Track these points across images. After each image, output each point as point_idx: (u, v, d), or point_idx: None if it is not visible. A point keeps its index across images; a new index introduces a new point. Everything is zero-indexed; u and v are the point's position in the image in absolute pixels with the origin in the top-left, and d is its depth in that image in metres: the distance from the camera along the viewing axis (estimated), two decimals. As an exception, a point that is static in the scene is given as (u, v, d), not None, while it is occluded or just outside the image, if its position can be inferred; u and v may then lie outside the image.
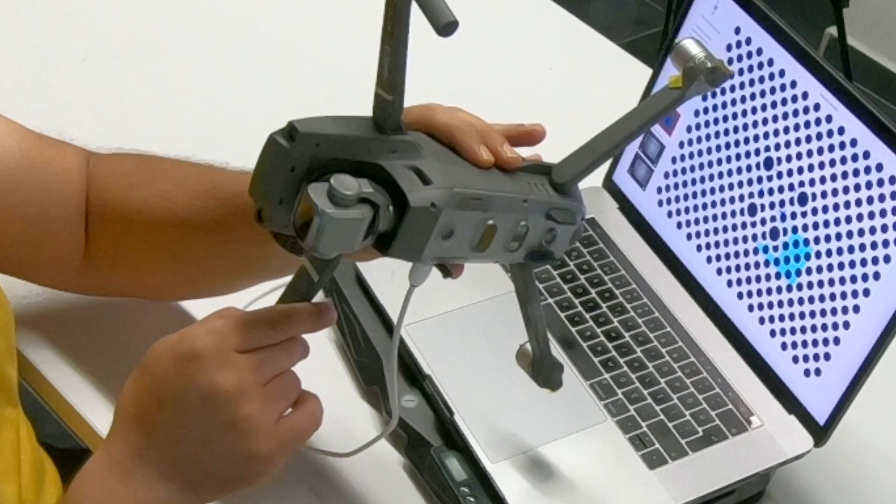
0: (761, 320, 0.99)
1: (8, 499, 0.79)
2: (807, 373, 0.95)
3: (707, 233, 1.04)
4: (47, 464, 0.88)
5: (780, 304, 0.97)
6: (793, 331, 0.96)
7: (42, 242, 0.90)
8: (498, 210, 0.75)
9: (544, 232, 0.80)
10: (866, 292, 0.91)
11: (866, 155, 0.90)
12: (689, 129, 1.05)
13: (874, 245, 0.90)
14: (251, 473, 0.75)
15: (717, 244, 1.03)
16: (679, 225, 1.06)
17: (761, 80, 0.98)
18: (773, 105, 0.97)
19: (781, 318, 0.97)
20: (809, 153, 0.95)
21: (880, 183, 0.89)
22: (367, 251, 0.72)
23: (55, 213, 0.89)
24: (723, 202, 1.02)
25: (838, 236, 0.93)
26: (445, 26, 0.66)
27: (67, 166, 0.90)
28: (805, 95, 0.95)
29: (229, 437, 0.73)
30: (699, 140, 1.04)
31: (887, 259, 0.89)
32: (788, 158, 0.96)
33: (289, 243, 0.81)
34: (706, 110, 1.03)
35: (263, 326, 0.74)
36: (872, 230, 0.90)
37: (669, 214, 1.07)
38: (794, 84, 0.96)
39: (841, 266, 0.92)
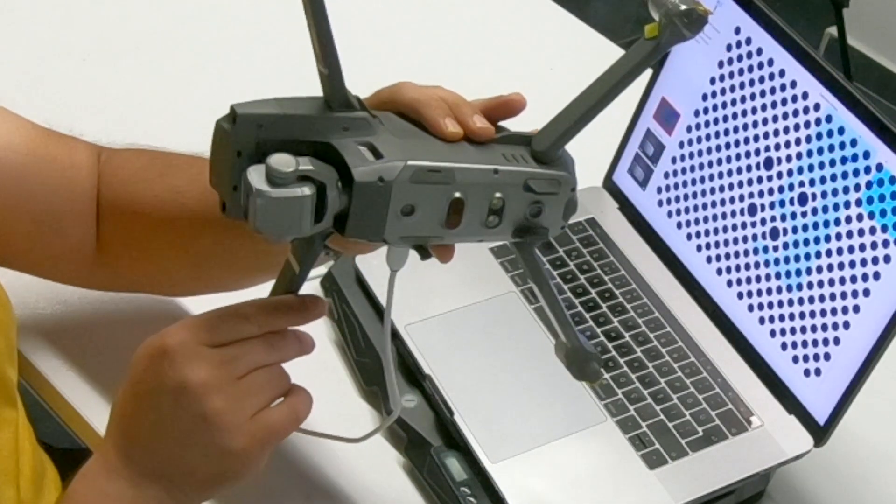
0: (761, 320, 0.99)
1: (7, 500, 0.79)
2: (807, 373, 0.95)
3: (707, 233, 1.04)
4: (48, 466, 0.88)
5: (780, 304, 0.97)
6: (793, 331, 0.96)
7: (51, 238, 0.90)
8: (463, 183, 0.72)
9: (526, 205, 0.76)
10: (866, 292, 0.91)
11: (866, 155, 0.90)
12: (688, 129, 1.05)
13: (874, 245, 0.90)
14: (229, 471, 0.74)
15: (717, 244, 1.03)
16: (679, 225, 1.06)
17: (761, 80, 0.98)
18: (773, 105, 0.97)
19: (781, 318, 0.97)
20: (809, 153, 0.95)
21: (880, 183, 0.89)
22: (356, 243, 0.71)
23: (64, 208, 0.89)
24: (723, 202, 1.02)
25: (838, 236, 0.93)
26: None
27: (76, 162, 0.90)
28: (805, 95, 0.95)
29: (202, 432, 0.71)
30: (699, 140, 1.04)
31: (887, 259, 0.89)
32: (788, 158, 0.96)
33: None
34: (706, 110, 1.03)
35: (236, 319, 0.72)
36: (872, 230, 0.90)
37: (669, 214, 1.07)
38: (794, 84, 0.96)
39: (841, 266, 0.92)
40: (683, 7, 0.70)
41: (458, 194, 0.72)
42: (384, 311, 0.77)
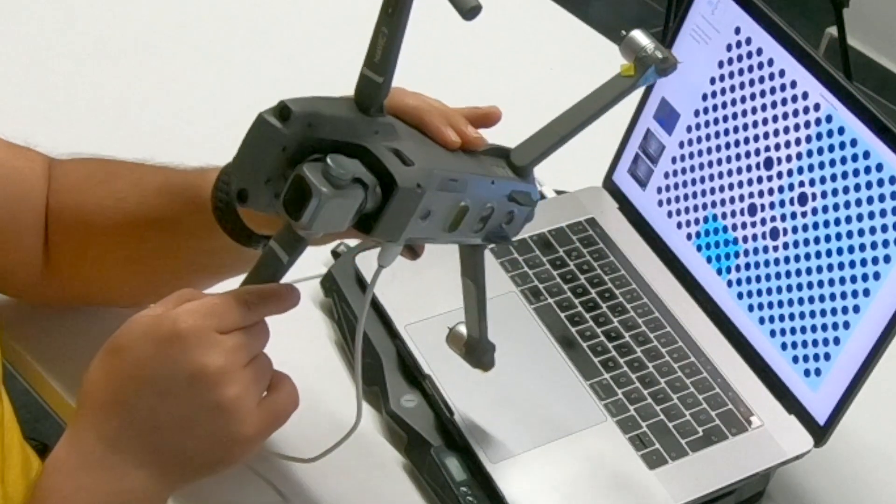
0: (761, 320, 0.99)
1: None
2: (807, 373, 0.95)
3: (707, 233, 1.04)
4: (34, 460, 0.87)
5: (780, 304, 0.97)
6: (793, 331, 0.96)
7: (9, 250, 0.90)
8: (471, 191, 0.76)
9: (505, 213, 0.82)
10: (866, 292, 0.91)
11: (866, 155, 0.90)
12: (688, 129, 1.05)
13: (874, 245, 0.90)
14: (232, 457, 0.74)
15: (717, 244, 1.03)
16: (679, 225, 1.06)
17: (761, 80, 0.98)
18: (773, 105, 0.97)
19: (781, 318, 0.97)
20: (809, 153, 0.95)
21: (880, 183, 0.90)
22: (336, 234, 0.73)
23: (23, 219, 0.89)
24: (723, 202, 1.02)
25: (838, 236, 0.93)
26: (470, 10, 0.66)
27: (36, 173, 0.91)
28: (805, 95, 0.95)
29: (215, 420, 0.72)
30: (699, 140, 1.04)
31: (887, 259, 0.89)
32: (788, 158, 0.96)
33: (235, 233, 0.82)
34: (706, 110, 1.03)
35: (241, 307, 0.73)
36: (872, 230, 0.90)
37: (669, 214, 1.07)
38: (794, 84, 0.96)
39: (841, 266, 0.92)
40: (661, 56, 0.81)
41: (464, 203, 0.76)
42: (363, 303, 0.79)
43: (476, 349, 0.90)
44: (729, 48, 1.01)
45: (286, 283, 0.76)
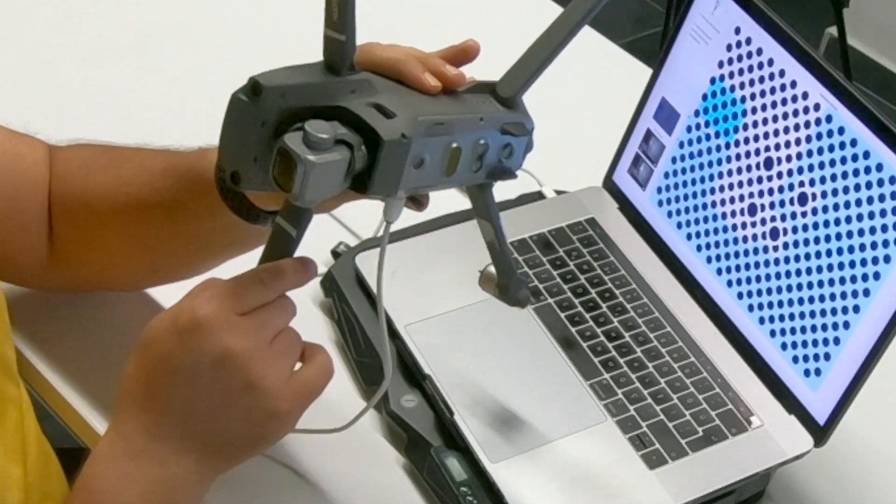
0: (761, 320, 0.99)
1: (14, 480, 0.79)
2: (807, 373, 0.95)
3: (707, 233, 1.04)
4: (51, 452, 0.88)
5: (780, 304, 0.97)
6: (793, 331, 0.96)
7: (13, 237, 0.90)
8: (460, 132, 0.77)
9: (501, 148, 0.82)
10: (866, 292, 0.91)
11: (866, 155, 0.90)
12: (688, 129, 1.05)
13: (874, 245, 0.90)
14: (269, 434, 0.76)
15: (717, 244, 1.03)
16: (679, 225, 1.06)
17: (761, 80, 0.98)
18: (773, 105, 0.97)
19: (781, 318, 0.97)
20: (809, 153, 0.95)
21: (880, 183, 0.90)
22: (337, 198, 0.74)
23: (27, 207, 0.90)
24: (723, 202, 1.02)
25: (838, 236, 0.93)
26: None
27: (37, 159, 0.91)
28: (805, 95, 0.95)
29: (246, 399, 0.73)
30: (699, 140, 1.04)
31: (887, 259, 0.89)
32: (788, 158, 0.96)
33: (242, 211, 0.83)
34: (706, 110, 1.03)
35: (257, 286, 0.74)
36: (872, 230, 0.90)
37: (669, 214, 1.07)
38: (794, 84, 0.96)
39: (841, 266, 0.92)
40: None
41: (455, 144, 0.76)
42: (378, 266, 0.79)
43: (509, 287, 0.90)
44: (729, 48, 1.01)
45: (300, 256, 0.77)
